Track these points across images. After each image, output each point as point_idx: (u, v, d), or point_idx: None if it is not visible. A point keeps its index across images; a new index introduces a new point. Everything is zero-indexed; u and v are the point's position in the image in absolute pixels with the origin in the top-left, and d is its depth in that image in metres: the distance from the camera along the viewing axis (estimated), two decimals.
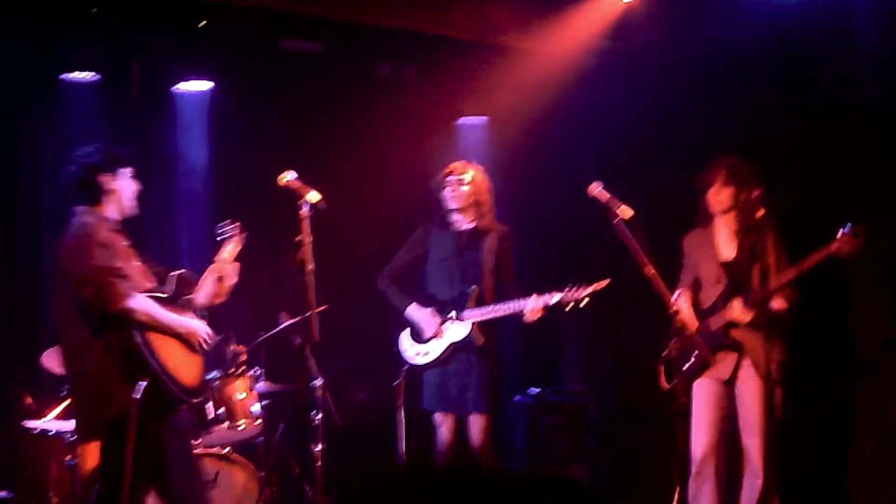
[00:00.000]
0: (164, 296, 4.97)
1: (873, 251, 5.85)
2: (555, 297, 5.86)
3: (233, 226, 5.41)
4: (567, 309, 5.87)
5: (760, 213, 5.23)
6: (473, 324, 6.10)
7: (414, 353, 6.24)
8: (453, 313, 6.16)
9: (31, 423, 5.99)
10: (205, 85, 7.81)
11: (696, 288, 5.84)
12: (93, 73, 7.55)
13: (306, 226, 4.71)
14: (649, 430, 6.69)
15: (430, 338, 6.19)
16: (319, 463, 6.01)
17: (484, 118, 8.53)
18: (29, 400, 6.09)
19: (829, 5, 6.32)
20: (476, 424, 6.09)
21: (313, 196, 4.73)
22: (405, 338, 6.28)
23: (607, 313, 6.09)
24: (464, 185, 6.18)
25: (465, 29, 7.61)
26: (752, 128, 6.69)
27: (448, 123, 8.54)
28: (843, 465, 6.38)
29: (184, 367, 4.92)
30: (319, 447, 6.04)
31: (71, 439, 5.76)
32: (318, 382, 6.13)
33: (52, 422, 6.00)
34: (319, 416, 6.09)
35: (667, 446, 5.59)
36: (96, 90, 7.61)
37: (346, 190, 6.70)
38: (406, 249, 6.36)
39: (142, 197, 7.62)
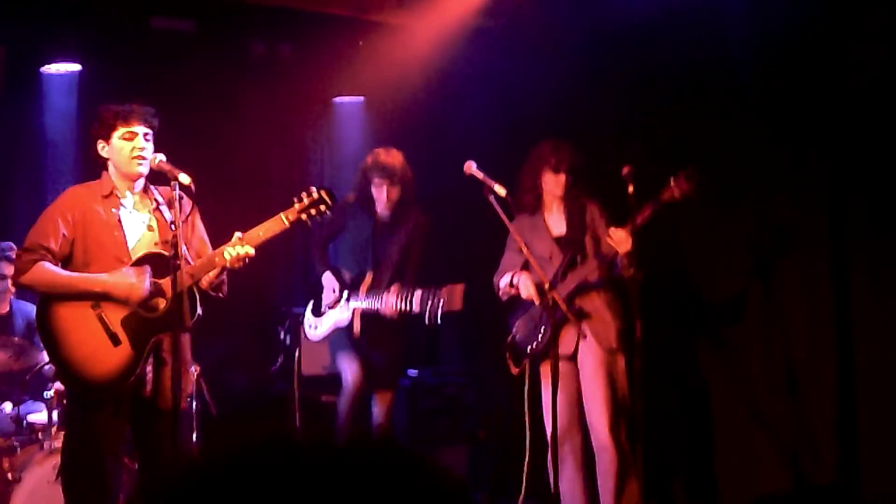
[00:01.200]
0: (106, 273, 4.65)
1: (723, 213, 6.03)
2: (414, 305, 5.96)
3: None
4: (427, 323, 5.96)
5: (630, 189, 5.28)
6: (355, 310, 6.21)
7: (307, 324, 6.41)
8: (346, 294, 6.26)
9: None
10: (73, 67, 7.62)
11: (525, 269, 5.80)
12: None
13: (177, 208, 4.61)
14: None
15: (323, 313, 6.32)
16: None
17: (361, 98, 8.47)
18: None
19: None
20: (381, 401, 6.27)
21: (184, 178, 4.63)
22: (308, 308, 6.39)
23: (485, 293, 6.11)
24: (394, 186, 6.27)
25: (340, 5, 7.54)
26: (620, 103, 6.77)
27: (324, 103, 8.46)
28: (705, 440, 6.48)
29: (100, 356, 4.62)
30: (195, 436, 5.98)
31: None
32: (194, 370, 6.04)
33: None
34: (195, 404, 6.02)
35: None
36: None
37: (220, 171, 6.61)
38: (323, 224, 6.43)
39: (10, 179, 7.57)
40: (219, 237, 4.91)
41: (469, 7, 7.37)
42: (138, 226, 4.80)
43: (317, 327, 6.36)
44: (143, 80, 7.41)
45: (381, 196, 6.28)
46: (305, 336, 6.45)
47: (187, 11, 7.45)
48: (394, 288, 6.10)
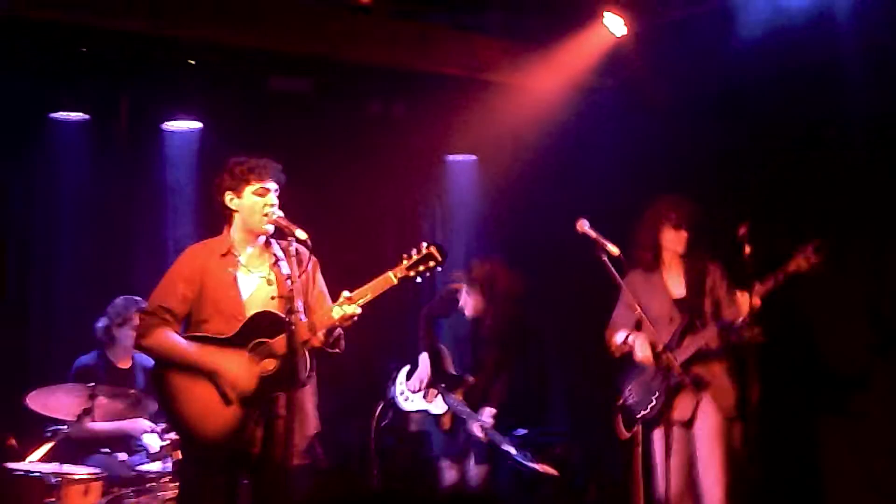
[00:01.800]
0: (222, 337, 4.66)
1: (843, 279, 5.87)
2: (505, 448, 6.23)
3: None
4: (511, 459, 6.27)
5: (748, 250, 5.17)
6: (447, 411, 6.39)
7: (400, 391, 6.49)
8: (443, 387, 6.40)
9: (14, 465, 5.93)
10: (194, 124, 7.81)
11: (638, 329, 5.70)
12: (82, 113, 7.58)
13: (293, 263, 4.65)
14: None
15: (417, 390, 6.44)
16: None
17: (473, 156, 8.51)
18: (12, 441, 6.02)
19: (815, 39, 6.31)
20: (478, 474, 6.38)
21: (300, 234, 4.67)
22: (402, 373, 6.42)
23: (593, 352, 6.05)
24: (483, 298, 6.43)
25: (454, 65, 7.61)
26: (735, 163, 6.68)
27: (437, 161, 8.52)
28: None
29: (211, 414, 4.63)
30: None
31: (53, 481, 5.71)
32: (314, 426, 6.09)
33: (35, 463, 5.94)
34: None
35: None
36: (86, 129, 7.65)
37: (334, 227, 6.67)
38: (443, 295, 6.73)
39: (131, 231, 7.76)
40: (331, 294, 4.93)
41: (583, 66, 7.38)
42: (254, 281, 4.80)
43: (407, 399, 6.49)
44: (260, 138, 7.56)
45: (469, 302, 6.43)
46: (392, 397, 6.49)
47: (305, 72, 7.58)
48: (487, 414, 6.29)
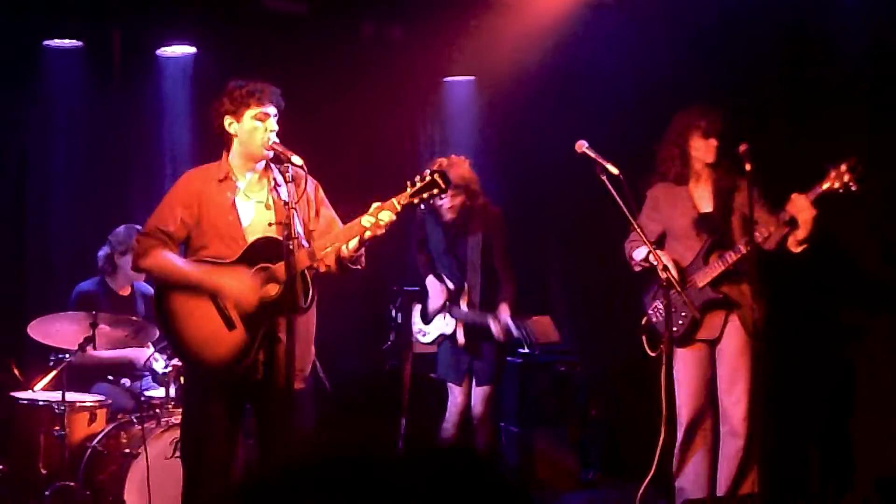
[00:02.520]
0: (224, 261, 4.64)
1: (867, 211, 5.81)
2: (515, 332, 6.12)
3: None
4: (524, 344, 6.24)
5: (748, 167, 5.12)
6: (457, 322, 6.31)
7: (416, 329, 6.54)
8: (447, 304, 6.37)
9: (19, 394, 5.97)
10: (188, 49, 7.75)
11: (661, 243, 5.67)
12: (76, 40, 7.51)
13: (291, 189, 4.62)
14: (641, 392, 6.66)
15: (431, 318, 6.44)
16: None
17: (471, 77, 8.43)
18: (16, 371, 6.05)
19: None
20: (479, 394, 6.31)
21: (296, 159, 4.63)
22: (416, 312, 6.54)
23: (595, 272, 6.04)
24: (457, 195, 6.20)
25: None
26: (745, 80, 6.60)
27: (435, 83, 8.45)
28: (840, 435, 6.29)
29: (213, 338, 4.64)
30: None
31: (58, 410, 5.75)
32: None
33: (39, 392, 5.97)
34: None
35: (655, 411, 5.51)
36: (80, 56, 7.60)
37: (330, 152, 6.64)
38: (414, 232, 6.60)
39: (127, 164, 7.73)
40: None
41: None
42: (253, 206, 4.77)
43: (425, 334, 6.49)
44: (255, 61, 7.49)
45: (445, 204, 6.23)
46: (415, 340, 6.51)
47: None
48: (503, 310, 6.16)
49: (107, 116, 7.60)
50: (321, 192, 4.91)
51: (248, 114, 4.71)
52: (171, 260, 4.70)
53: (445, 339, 6.38)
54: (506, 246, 6.31)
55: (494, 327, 6.11)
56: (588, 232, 6.03)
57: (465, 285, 6.31)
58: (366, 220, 4.57)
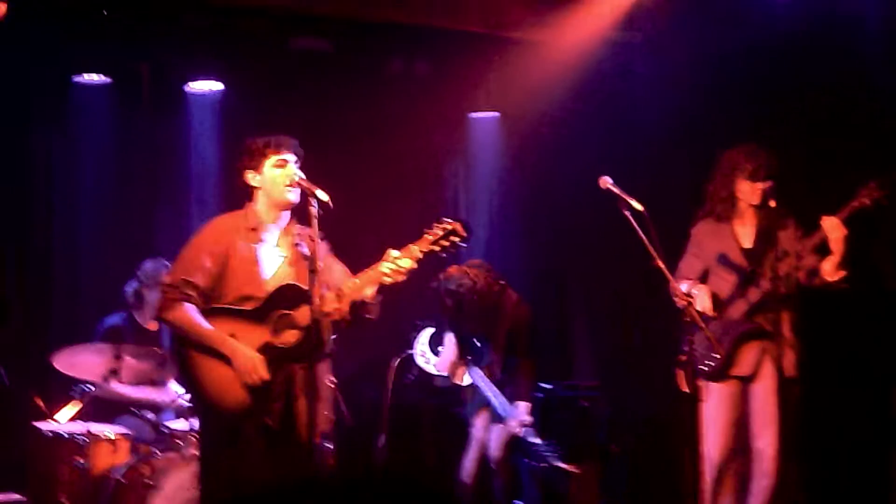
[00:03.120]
0: (245, 309, 4.69)
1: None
2: (532, 439, 6.27)
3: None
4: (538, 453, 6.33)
5: (772, 203, 5.11)
6: (472, 384, 6.43)
7: (420, 351, 6.60)
8: (469, 360, 6.48)
9: (42, 425, 5.98)
10: (215, 85, 7.81)
11: (704, 279, 5.63)
12: (104, 76, 7.59)
13: (315, 224, 4.65)
14: (663, 428, 6.63)
15: (443, 371, 6.57)
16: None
17: (496, 114, 8.47)
18: (39, 401, 6.07)
19: None
20: (497, 433, 6.36)
21: (322, 195, 4.66)
22: (425, 335, 6.44)
23: (619, 307, 6.03)
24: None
25: (476, 22, 7.57)
26: (764, 118, 6.62)
27: (460, 119, 8.48)
28: (878, 478, 6.26)
29: (229, 390, 4.63)
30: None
31: (82, 441, 5.77)
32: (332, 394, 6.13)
33: (62, 423, 5.99)
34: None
35: (679, 446, 5.47)
36: (108, 92, 7.66)
37: (356, 187, 6.67)
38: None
39: (154, 198, 7.79)
40: (354, 252, 4.93)
41: (606, 21, 7.32)
42: (276, 260, 4.81)
43: (428, 362, 6.58)
44: (282, 98, 7.57)
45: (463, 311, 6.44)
46: (413, 359, 6.55)
47: (326, 31, 7.56)
48: (522, 409, 6.32)
49: (135, 151, 7.66)
50: (330, 251, 4.93)
51: (268, 163, 4.77)
52: (192, 318, 4.71)
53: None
54: (531, 342, 6.42)
55: (512, 423, 6.25)
56: (611, 268, 6.04)
57: (491, 362, 6.42)
58: (385, 266, 4.58)
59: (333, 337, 4.74)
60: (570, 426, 7.22)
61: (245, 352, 4.63)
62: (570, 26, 7.37)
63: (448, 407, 6.89)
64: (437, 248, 4.60)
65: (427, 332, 6.63)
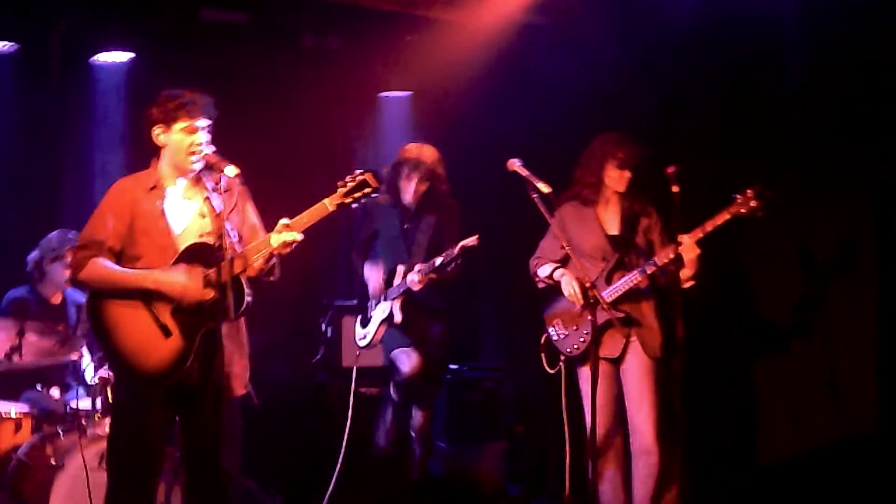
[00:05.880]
0: (157, 269, 4.60)
1: (777, 225, 5.97)
2: (436, 261, 6.06)
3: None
4: (448, 267, 6.09)
5: (675, 189, 5.20)
6: (393, 300, 6.27)
7: (358, 338, 6.47)
8: (384, 290, 6.36)
9: None
10: (124, 56, 7.70)
11: (564, 261, 5.74)
12: (11, 43, 7.43)
13: (224, 198, 4.61)
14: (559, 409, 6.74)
15: (370, 317, 6.41)
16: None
17: (407, 92, 8.47)
18: None
19: None
20: (419, 411, 6.40)
21: (230, 170, 4.62)
22: (357, 323, 6.48)
23: (522, 289, 6.10)
24: (423, 181, 6.34)
25: (390, 1, 7.54)
26: (671, 104, 6.73)
27: (371, 97, 8.48)
28: (748, 441, 6.45)
29: (150, 347, 4.59)
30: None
31: None
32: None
33: None
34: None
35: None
36: (14, 60, 7.52)
37: (265, 162, 6.62)
38: (362, 225, 6.61)
39: (60, 166, 7.66)
40: (268, 223, 4.90)
41: (518, 4, 7.36)
42: (188, 213, 4.76)
43: (366, 336, 6.43)
44: (192, 70, 7.47)
45: (409, 187, 6.31)
46: (359, 349, 6.47)
47: (238, 3, 7.49)
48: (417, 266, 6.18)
49: (40, 119, 7.53)
50: (249, 199, 4.90)
51: (178, 126, 4.69)
52: (108, 267, 4.64)
53: (386, 329, 6.36)
54: (458, 236, 6.23)
55: (411, 275, 6.13)
56: (518, 249, 6.08)
57: (400, 266, 6.31)
58: (273, 238, 4.57)
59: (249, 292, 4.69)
60: (477, 407, 7.30)
61: (171, 277, 4.58)
62: (482, 8, 7.40)
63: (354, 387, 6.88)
64: (349, 201, 4.62)
65: (357, 322, 6.56)
